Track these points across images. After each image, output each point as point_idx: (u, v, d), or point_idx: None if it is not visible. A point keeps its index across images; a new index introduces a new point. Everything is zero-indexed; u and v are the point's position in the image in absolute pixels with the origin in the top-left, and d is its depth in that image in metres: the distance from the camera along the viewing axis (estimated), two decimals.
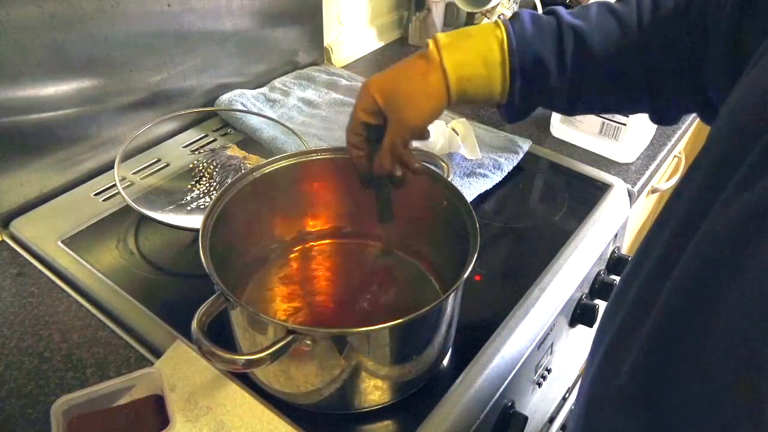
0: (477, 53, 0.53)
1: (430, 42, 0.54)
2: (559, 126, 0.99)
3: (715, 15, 0.48)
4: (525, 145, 0.94)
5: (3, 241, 0.77)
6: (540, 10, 1.14)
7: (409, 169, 0.58)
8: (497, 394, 0.64)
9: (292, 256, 0.71)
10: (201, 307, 0.50)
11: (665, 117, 0.57)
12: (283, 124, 0.94)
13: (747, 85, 0.36)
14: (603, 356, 0.42)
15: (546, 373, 0.79)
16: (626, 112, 0.62)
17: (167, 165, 0.88)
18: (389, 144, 0.55)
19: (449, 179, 0.64)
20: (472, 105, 0.66)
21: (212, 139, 0.95)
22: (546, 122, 1.01)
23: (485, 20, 1.10)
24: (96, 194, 0.83)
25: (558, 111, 0.60)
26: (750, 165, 0.31)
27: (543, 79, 0.54)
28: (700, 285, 0.33)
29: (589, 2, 0.56)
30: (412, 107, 0.54)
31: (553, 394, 0.86)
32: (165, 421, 0.55)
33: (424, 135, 0.58)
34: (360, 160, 0.59)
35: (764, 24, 0.41)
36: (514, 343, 0.67)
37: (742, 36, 0.44)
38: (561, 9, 0.55)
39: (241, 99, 0.98)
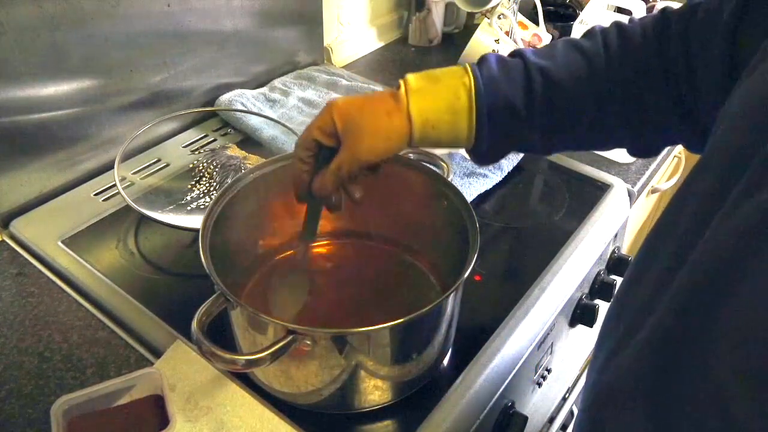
0: (444, 100, 0.53)
1: (401, 83, 0.53)
2: None
3: (702, 33, 0.47)
4: None
5: (3, 241, 0.77)
6: (540, 11, 1.14)
7: (349, 197, 0.57)
8: (497, 394, 0.64)
9: (292, 255, 0.71)
10: (201, 307, 0.50)
11: (643, 149, 0.56)
12: (283, 124, 0.94)
13: (747, 90, 0.36)
14: (605, 359, 0.42)
15: (546, 373, 0.79)
16: (603, 147, 0.61)
17: (167, 165, 0.88)
18: (335, 169, 0.53)
19: (449, 179, 0.64)
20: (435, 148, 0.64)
21: (212, 139, 0.95)
22: None
23: (485, 20, 1.10)
24: (96, 194, 0.83)
25: (533, 152, 0.59)
26: (754, 171, 0.31)
27: (512, 121, 0.53)
28: (704, 291, 0.33)
29: (555, 41, 0.56)
30: (369, 142, 0.52)
31: (553, 394, 0.86)
32: (165, 421, 0.55)
33: (376, 170, 0.57)
34: (302, 175, 0.56)
35: (763, 27, 0.41)
36: (514, 343, 0.67)
37: (739, 45, 0.44)
38: (526, 50, 0.55)
39: (241, 99, 0.98)
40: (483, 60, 0.54)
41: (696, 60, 0.49)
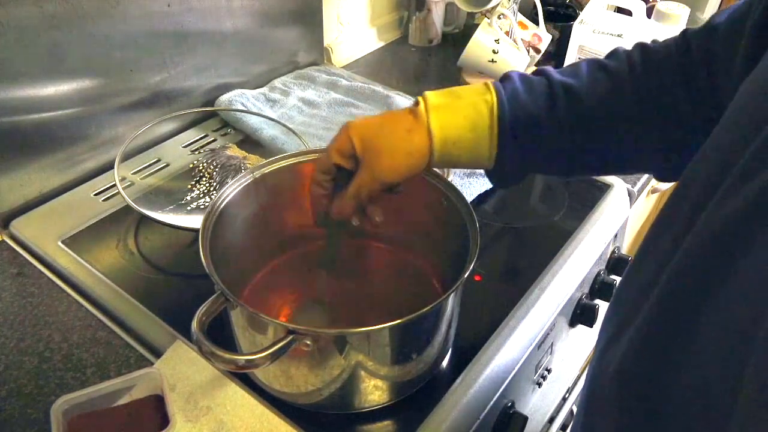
0: (465, 117, 0.52)
1: (420, 100, 0.53)
2: None
3: (725, 47, 0.47)
4: None
5: (3, 241, 0.77)
6: (540, 11, 1.14)
7: (369, 220, 0.56)
8: (497, 394, 0.64)
9: (292, 255, 0.71)
10: (201, 307, 0.50)
11: (668, 173, 0.55)
12: (283, 124, 0.94)
13: (748, 81, 0.36)
14: (599, 354, 0.42)
15: (546, 373, 0.79)
16: (625, 170, 0.59)
17: (167, 165, 0.88)
18: (354, 191, 0.53)
19: (449, 179, 0.64)
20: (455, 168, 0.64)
21: (212, 139, 0.95)
22: None
23: (485, 20, 1.10)
24: (96, 194, 0.83)
25: (554, 174, 0.58)
26: (750, 158, 0.31)
27: (535, 140, 0.52)
28: (695, 281, 0.33)
29: (579, 60, 0.55)
30: (389, 161, 0.52)
31: (553, 394, 0.86)
32: (165, 421, 0.55)
33: (395, 189, 0.55)
34: (320, 199, 0.56)
35: None
36: (514, 343, 0.67)
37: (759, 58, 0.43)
38: (550, 69, 0.54)
39: (241, 99, 0.98)
40: (506, 77, 0.54)
41: (718, 76, 0.48)
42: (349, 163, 0.53)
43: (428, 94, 0.53)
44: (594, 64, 0.54)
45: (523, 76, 0.54)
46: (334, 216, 0.55)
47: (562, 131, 0.52)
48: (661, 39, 0.54)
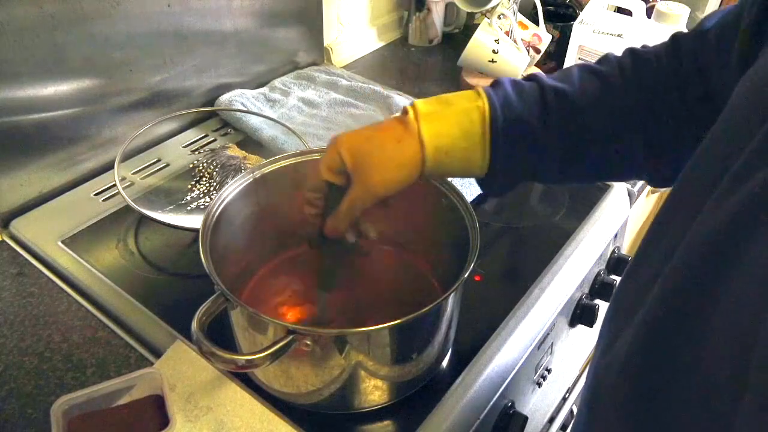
0: (457, 125, 0.50)
1: (409, 109, 0.51)
2: None
3: (719, 47, 0.46)
4: None
5: (3, 241, 0.77)
6: (540, 11, 1.14)
7: (363, 236, 0.55)
8: (497, 394, 0.64)
9: (292, 255, 0.71)
10: (201, 307, 0.50)
11: (662, 178, 0.54)
12: (283, 124, 0.94)
13: (742, 84, 0.36)
14: (600, 355, 0.42)
15: (546, 373, 0.79)
16: (620, 176, 0.58)
17: (167, 165, 0.88)
18: (348, 206, 0.51)
19: (449, 179, 0.64)
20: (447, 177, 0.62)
21: (212, 139, 0.95)
22: None
23: (485, 20, 1.10)
24: (96, 194, 0.83)
25: (547, 182, 0.57)
26: (749, 155, 0.31)
27: (529, 147, 0.51)
28: (695, 281, 0.32)
29: (569, 66, 0.55)
30: (381, 174, 0.50)
31: (553, 394, 0.86)
32: (165, 421, 0.55)
33: (387, 202, 0.53)
34: (312, 219, 0.55)
35: None
36: (514, 343, 0.67)
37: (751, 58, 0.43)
38: (541, 74, 0.53)
39: (241, 99, 0.98)
40: (497, 83, 0.53)
41: (711, 80, 0.48)
42: (340, 179, 0.52)
43: (417, 102, 0.51)
44: (585, 68, 0.53)
45: (513, 82, 0.53)
46: (329, 234, 0.54)
47: (555, 137, 0.51)
48: (657, 41, 0.54)
